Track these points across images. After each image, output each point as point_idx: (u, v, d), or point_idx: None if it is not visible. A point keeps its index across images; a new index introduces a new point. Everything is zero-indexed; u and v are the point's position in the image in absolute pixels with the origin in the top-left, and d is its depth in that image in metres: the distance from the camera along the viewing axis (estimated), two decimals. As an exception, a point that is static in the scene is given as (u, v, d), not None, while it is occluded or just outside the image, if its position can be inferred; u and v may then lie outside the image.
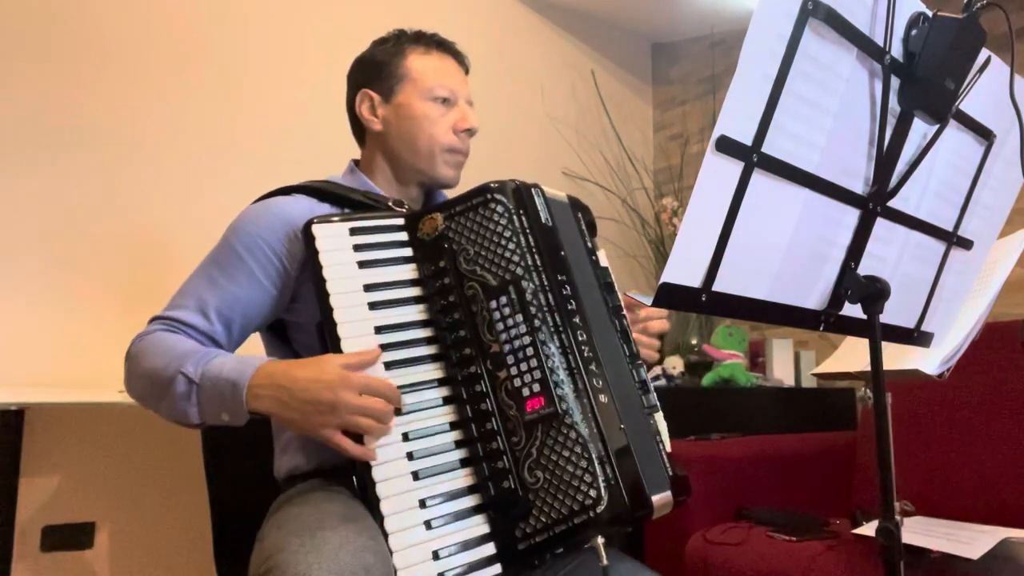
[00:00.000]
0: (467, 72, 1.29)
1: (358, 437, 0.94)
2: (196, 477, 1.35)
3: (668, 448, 1.05)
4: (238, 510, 1.26)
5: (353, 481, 0.97)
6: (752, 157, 0.75)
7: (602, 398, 0.96)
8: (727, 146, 0.73)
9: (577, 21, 3.09)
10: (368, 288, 1.01)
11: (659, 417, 1.08)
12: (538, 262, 1.01)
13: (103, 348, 1.91)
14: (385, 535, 0.89)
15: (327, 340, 0.99)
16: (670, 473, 1.01)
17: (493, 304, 0.99)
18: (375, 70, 1.24)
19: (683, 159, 3.14)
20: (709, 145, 0.72)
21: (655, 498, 0.95)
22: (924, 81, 0.83)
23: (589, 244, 1.13)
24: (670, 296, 0.75)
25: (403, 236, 1.07)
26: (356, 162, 1.29)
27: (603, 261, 1.15)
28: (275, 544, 0.87)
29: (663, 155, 3.26)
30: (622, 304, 1.14)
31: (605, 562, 0.89)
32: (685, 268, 0.75)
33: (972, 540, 1.29)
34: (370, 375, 0.95)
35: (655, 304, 0.75)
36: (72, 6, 2.01)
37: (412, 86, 1.21)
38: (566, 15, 3.06)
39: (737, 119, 0.73)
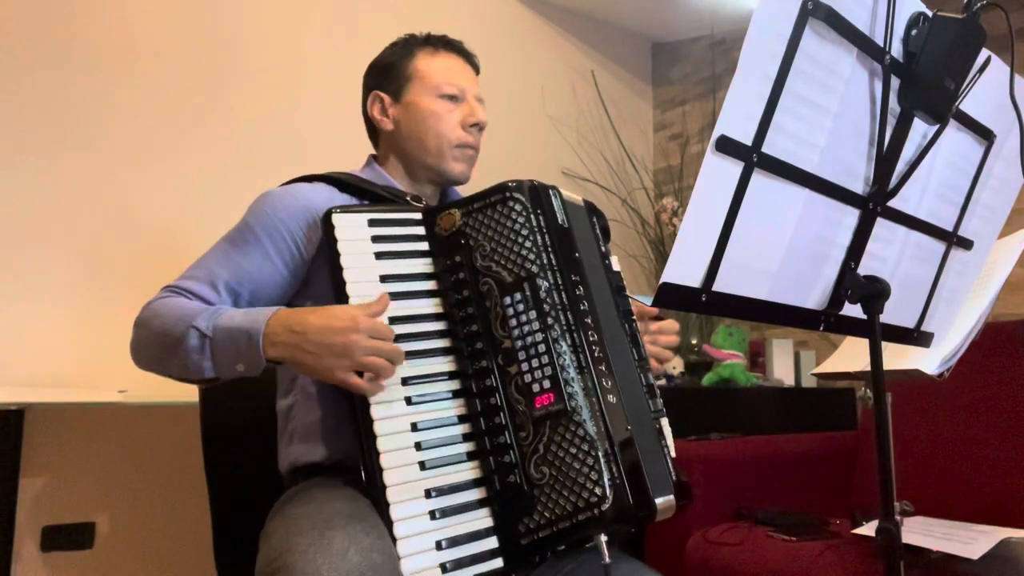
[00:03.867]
0: (477, 72, 1.31)
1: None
2: (196, 477, 1.34)
3: (673, 453, 1.05)
4: (238, 509, 1.26)
5: (357, 474, 0.97)
6: (752, 157, 0.75)
7: (611, 398, 0.97)
8: (727, 146, 0.73)
9: (577, 21, 3.09)
10: (384, 279, 1.03)
11: (665, 422, 1.09)
12: (553, 261, 1.02)
13: (103, 348, 1.91)
14: (389, 523, 0.90)
15: None
16: (674, 478, 1.01)
17: (507, 300, 1.00)
18: (385, 72, 1.27)
19: (683, 159, 3.14)
20: (709, 145, 0.72)
21: (659, 501, 0.95)
22: (924, 81, 0.83)
23: (603, 248, 1.15)
24: (670, 296, 0.75)
25: (420, 230, 1.08)
26: (374, 157, 1.31)
27: (615, 266, 1.16)
28: (283, 543, 0.87)
29: (663, 155, 3.26)
30: (632, 308, 1.14)
31: (607, 560, 0.89)
32: (685, 268, 0.75)
33: (972, 540, 1.29)
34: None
35: (655, 304, 0.75)
36: (87, 10, 2.01)
37: (420, 85, 1.24)
38: (566, 15, 3.05)
39: (737, 119, 0.73)
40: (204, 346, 0.99)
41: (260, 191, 1.22)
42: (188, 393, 1.26)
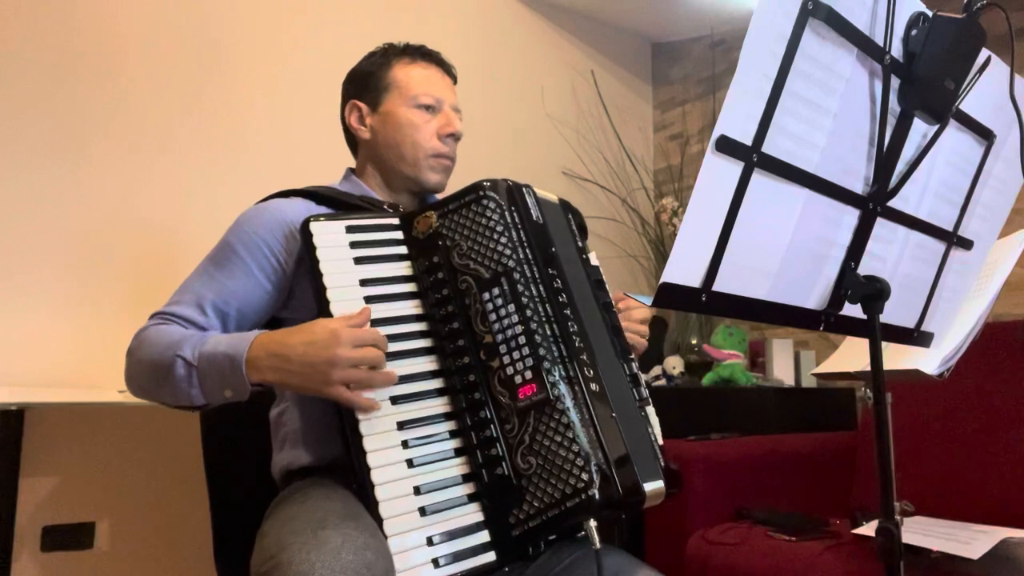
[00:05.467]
0: (455, 81, 1.32)
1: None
2: (196, 477, 1.34)
3: (660, 441, 1.06)
4: (238, 510, 1.26)
5: (349, 474, 0.98)
6: (752, 157, 0.75)
7: (593, 386, 0.98)
8: (727, 146, 0.73)
9: (577, 21, 3.09)
10: (364, 283, 1.04)
11: (651, 410, 1.09)
12: (529, 256, 1.03)
13: (103, 348, 1.91)
14: (380, 521, 0.90)
15: None
16: (663, 464, 1.02)
17: (486, 296, 1.01)
18: (363, 81, 1.28)
19: (683, 159, 3.14)
20: (709, 145, 0.72)
21: (647, 486, 0.95)
22: (924, 81, 0.83)
23: (580, 243, 1.16)
24: (670, 296, 0.75)
25: (398, 235, 1.09)
26: (352, 170, 1.32)
27: (594, 261, 1.17)
28: (277, 543, 0.88)
29: (663, 155, 3.26)
30: (612, 302, 1.15)
31: (598, 545, 0.89)
32: (685, 268, 0.75)
33: (972, 540, 1.29)
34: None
35: (655, 304, 0.75)
36: (84, 11, 2.01)
37: (397, 95, 1.25)
38: (566, 15, 3.05)
39: (737, 119, 0.73)
40: (191, 374, 1.00)
41: (256, 192, 1.23)
42: (188, 393, 1.26)
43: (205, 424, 1.31)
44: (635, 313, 1.21)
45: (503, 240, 1.02)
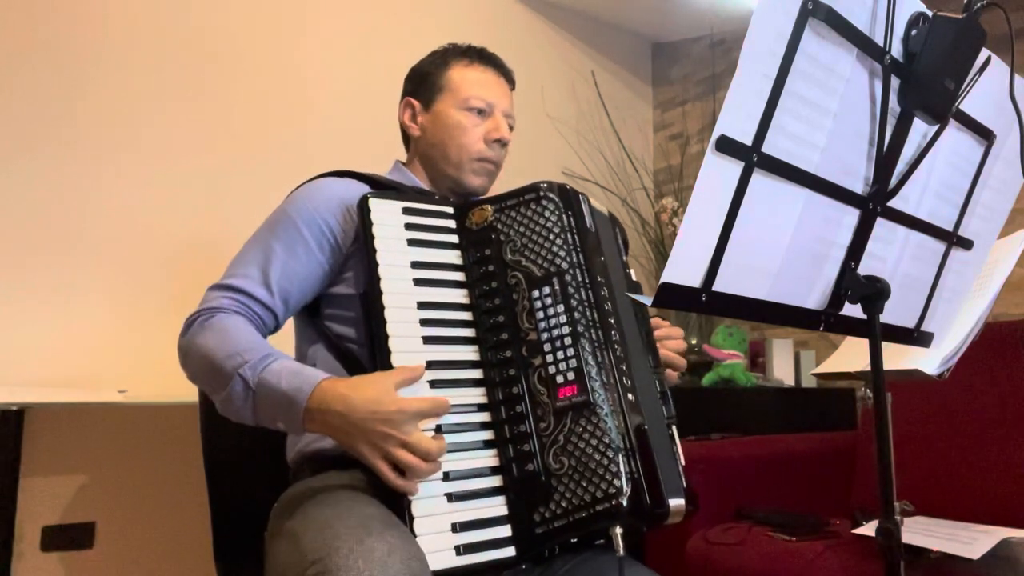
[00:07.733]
0: (513, 87, 1.33)
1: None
2: (196, 477, 1.34)
3: (683, 461, 1.06)
4: (238, 509, 1.26)
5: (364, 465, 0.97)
6: (752, 157, 0.75)
7: (630, 396, 0.99)
8: (727, 146, 0.73)
9: (577, 21, 3.09)
10: (415, 265, 1.05)
11: (675, 429, 1.10)
12: (581, 260, 1.05)
13: (103, 348, 1.91)
14: (408, 502, 0.91)
15: (370, 311, 1.02)
16: (684, 484, 1.02)
17: (535, 293, 1.02)
18: (420, 80, 1.31)
19: (683, 159, 3.14)
20: (709, 145, 0.72)
21: (672, 502, 0.95)
22: (924, 81, 0.83)
23: (624, 258, 1.19)
24: (670, 296, 0.74)
25: (451, 223, 1.11)
26: (401, 162, 1.34)
27: (634, 277, 1.20)
28: (321, 547, 0.87)
29: (663, 155, 3.26)
30: (649, 317, 1.17)
31: (622, 552, 0.89)
32: (685, 268, 0.75)
33: (972, 540, 1.29)
34: (420, 396, 0.96)
35: (655, 304, 0.75)
36: (90, 6, 2.01)
37: (450, 96, 1.27)
38: (566, 15, 3.05)
39: (737, 119, 0.73)
40: (248, 396, 0.99)
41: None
42: (188, 393, 1.27)
43: (205, 423, 1.31)
44: (672, 344, 1.21)
45: (558, 242, 1.04)
